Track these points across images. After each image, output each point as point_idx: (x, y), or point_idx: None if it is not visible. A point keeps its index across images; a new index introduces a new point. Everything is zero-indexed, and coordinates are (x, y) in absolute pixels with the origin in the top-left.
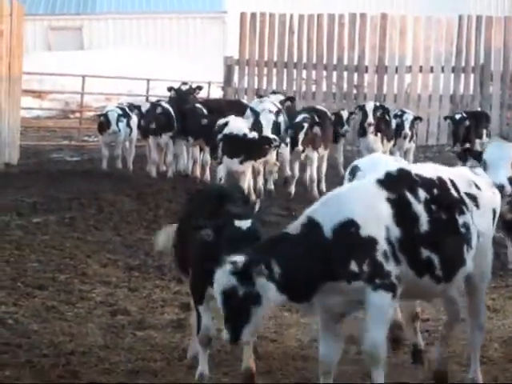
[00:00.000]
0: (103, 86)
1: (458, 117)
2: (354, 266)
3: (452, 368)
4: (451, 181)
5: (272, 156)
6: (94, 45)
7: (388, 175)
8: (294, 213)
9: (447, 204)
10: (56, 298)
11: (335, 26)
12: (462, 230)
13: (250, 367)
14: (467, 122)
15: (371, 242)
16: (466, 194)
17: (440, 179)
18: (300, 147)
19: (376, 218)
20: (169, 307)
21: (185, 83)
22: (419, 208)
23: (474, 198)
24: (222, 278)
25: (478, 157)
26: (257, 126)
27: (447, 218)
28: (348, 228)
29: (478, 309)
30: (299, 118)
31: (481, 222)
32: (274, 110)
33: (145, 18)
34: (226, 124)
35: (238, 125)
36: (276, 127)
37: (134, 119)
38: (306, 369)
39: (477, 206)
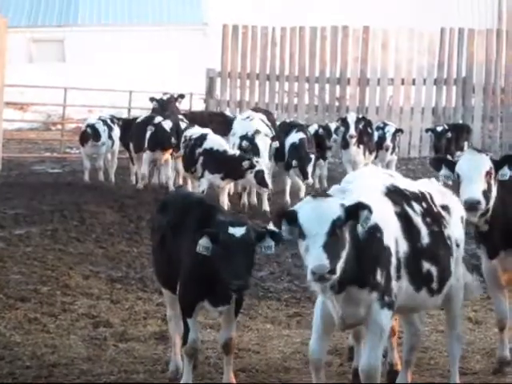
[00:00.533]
0: (85, 98)
1: (439, 129)
2: (377, 275)
3: (435, 380)
4: (429, 193)
5: (251, 178)
6: (75, 57)
7: (388, 189)
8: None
9: (434, 217)
10: (38, 309)
11: (317, 38)
12: (448, 241)
13: (232, 382)
14: (449, 134)
15: (389, 253)
16: (441, 206)
17: (421, 192)
18: (310, 180)
19: (390, 229)
20: (151, 319)
21: (166, 93)
22: (419, 221)
23: (447, 209)
24: (333, 206)
25: (451, 167)
26: (254, 149)
27: (438, 230)
28: (375, 233)
29: (455, 320)
30: (299, 144)
31: (455, 232)
32: (268, 132)
33: (127, 30)
34: (203, 137)
35: (218, 140)
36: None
37: (116, 131)
38: (289, 380)
39: (450, 216)
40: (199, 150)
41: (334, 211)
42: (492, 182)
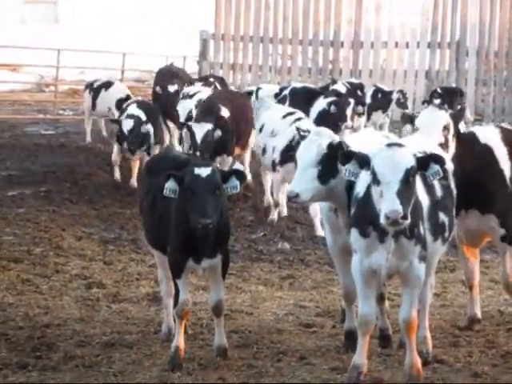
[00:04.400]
0: (78, 59)
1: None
2: (420, 228)
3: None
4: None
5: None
6: (68, 18)
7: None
8: None
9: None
10: (31, 271)
11: (311, 0)
12: (451, 192)
13: (224, 344)
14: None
15: (421, 206)
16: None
17: (425, 152)
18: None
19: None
20: (144, 280)
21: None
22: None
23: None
24: (406, 155)
25: (413, 122)
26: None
27: (445, 183)
28: None
29: (432, 268)
30: None
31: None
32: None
33: None
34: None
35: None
36: None
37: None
38: (282, 342)
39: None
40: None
41: (408, 160)
42: (449, 137)
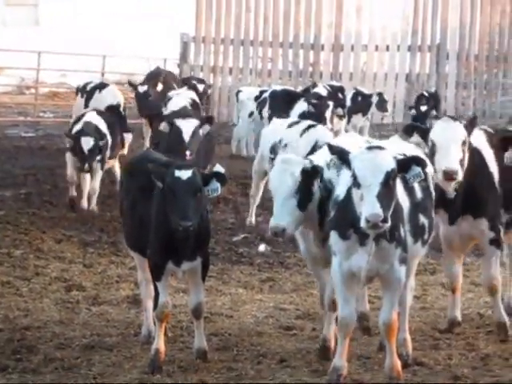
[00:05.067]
0: (59, 62)
1: (423, 109)
2: (400, 231)
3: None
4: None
5: None
6: (49, 21)
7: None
8: None
9: None
10: (11, 273)
11: (291, 3)
12: (430, 193)
13: (204, 346)
14: (433, 113)
15: (401, 209)
16: None
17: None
18: None
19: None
20: (124, 283)
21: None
22: None
23: None
24: (387, 158)
25: (424, 135)
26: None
27: (424, 184)
28: None
29: (412, 270)
30: None
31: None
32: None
33: None
34: None
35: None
36: None
37: None
38: (262, 344)
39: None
40: None
41: (388, 163)
42: (466, 150)
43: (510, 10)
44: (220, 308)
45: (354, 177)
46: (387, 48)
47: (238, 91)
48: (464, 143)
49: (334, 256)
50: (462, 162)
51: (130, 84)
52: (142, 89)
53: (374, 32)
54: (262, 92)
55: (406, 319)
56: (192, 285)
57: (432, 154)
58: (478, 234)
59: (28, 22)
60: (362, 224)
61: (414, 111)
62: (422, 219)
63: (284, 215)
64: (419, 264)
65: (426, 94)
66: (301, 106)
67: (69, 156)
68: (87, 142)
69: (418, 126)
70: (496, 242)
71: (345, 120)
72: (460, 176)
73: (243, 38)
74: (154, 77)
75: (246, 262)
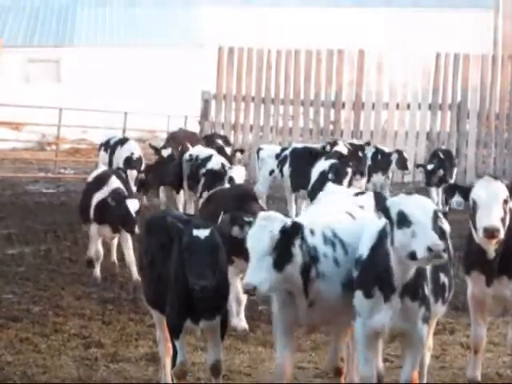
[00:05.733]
0: (80, 118)
1: (429, 167)
2: (425, 289)
3: None
4: None
5: None
6: (71, 77)
7: None
8: None
9: None
10: (30, 329)
11: (313, 61)
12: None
13: None
14: (441, 172)
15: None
16: None
17: None
18: None
19: None
20: (143, 340)
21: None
22: None
23: None
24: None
25: (466, 194)
26: None
27: None
28: None
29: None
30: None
31: None
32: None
33: (122, 50)
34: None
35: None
36: None
37: None
38: None
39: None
40: (203, 171)
41: (431, 206)
42: (507, 209)
43: None
44: (238, 366)
45: (402, 216)
46: (408, 106)
47: (259, 149)
48: (506, 202)
49: (357, 317)
50: (503, 220)
51: (153, 147)
52: (167, 152)
53: (395, 90)
54: (283, 150)
55: (424, 378)
56: (210, 342)
57: (473, 213)
58: (509, 295)
59: (50, 78)
60: (423, 254)
61: (421, 169)
62: (443, 278)
63: (257, 274)
64: (438, 323)
65: (440, 153)
66: (322, 164)
67: (94, 228)
68: (133, 204)
69: (459, 186)
70: None
71: (365, 179)
72: (502, 234)
73: (264, 96)
74: (176, 138)
75: (266, 320)
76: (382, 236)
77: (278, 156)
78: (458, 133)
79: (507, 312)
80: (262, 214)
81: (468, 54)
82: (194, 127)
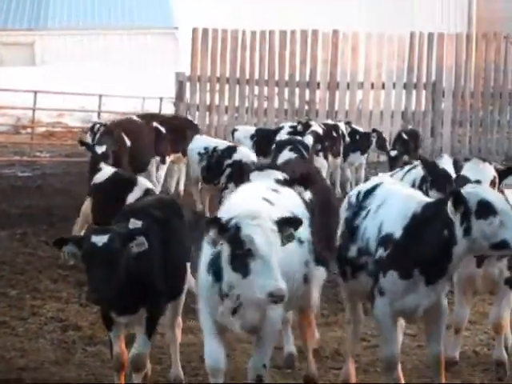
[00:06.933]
0: (55, 101)
1: (393, 154)
2: None
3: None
4: None
5: None
6: (45, 60)
7: None
8: None
9: None
10: (7, 313)
11: (287, 42)
12: None
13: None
14: (405, 158)
15: None
16: None
17: None
18: None
19: None
20: None
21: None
22: None
23: None
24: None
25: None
26: None
27: None
28: None
29: None
30: None
31: None
32: None
33: (96, 34)
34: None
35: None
36: None
37: None
38: None
39: None
40: (228, 162)
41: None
42: (495, 190)
43: (504, 47)
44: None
45: (485, 205)
46: (383, 86)
47: (234, 130)
48: (493, 183)
49: (379, 296)
50: None
51: (84, 143)
52: (101, 149)
53: (370, 70)
54: (257, 130)
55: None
56: (137, 336)
57: None
58: (497, 274)
59: (24, 61)
60: None
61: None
62: None
63: (281, 278)
64: None
65: (404, 135)
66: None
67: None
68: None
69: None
70: (510, 283)
71: (340, 158)
72: None
73: (239, 77)
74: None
75: None
76: (418, 217)
77: (252, 137)
78: (433, 112)
79: (493, 292)
80: (245, 214)
81: (442, 33)
82: (169, 109)
